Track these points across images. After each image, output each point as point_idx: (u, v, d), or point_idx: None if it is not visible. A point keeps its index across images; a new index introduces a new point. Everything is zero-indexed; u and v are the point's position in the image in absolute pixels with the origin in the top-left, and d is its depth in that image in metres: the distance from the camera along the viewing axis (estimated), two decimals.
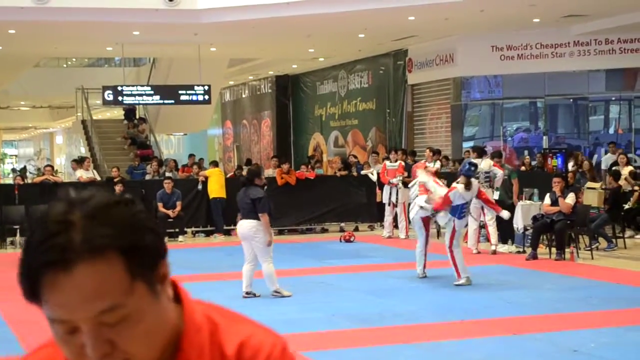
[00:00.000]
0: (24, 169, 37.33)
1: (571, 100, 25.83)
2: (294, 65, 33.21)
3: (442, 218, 13.65)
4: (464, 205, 13.44)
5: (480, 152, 17.81)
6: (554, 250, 16.11)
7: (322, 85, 33.71)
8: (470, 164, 13.94)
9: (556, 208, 16.08)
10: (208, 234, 22.65)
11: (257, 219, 12.21)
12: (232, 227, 22.86)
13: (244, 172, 24.56)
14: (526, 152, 24.84)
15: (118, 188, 21.43)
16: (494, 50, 24.68)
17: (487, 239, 17.34)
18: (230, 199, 22.42)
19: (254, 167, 13.44)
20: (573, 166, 21.00)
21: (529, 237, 16.85)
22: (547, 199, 16.37)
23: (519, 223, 17.38)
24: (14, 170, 27.35)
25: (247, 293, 12.45)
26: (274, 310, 11.40)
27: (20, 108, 51.45)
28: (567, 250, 15.91)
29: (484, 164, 17.11)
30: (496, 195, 16.88)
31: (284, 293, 12.36)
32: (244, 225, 12.37)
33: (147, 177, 23.56)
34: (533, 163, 23.13)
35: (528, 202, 18.08)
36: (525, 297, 12.10)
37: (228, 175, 24.09)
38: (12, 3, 19.23)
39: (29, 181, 24.32)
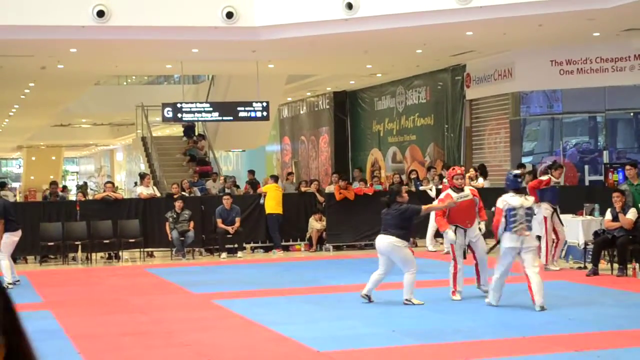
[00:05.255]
0: (85, 186, 37.77)
1: (632, 114, 25.55)
2: (352, 82, 33.27)
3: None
4: None
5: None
6: (615, 266, 15.93)
7: (379, 101, 33.72)
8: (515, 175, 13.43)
9: (617, 224, 15.91)
10: (267, 249, 22.74)
11: (397, 235, 12.70)
12: (290, 242, 23.02)
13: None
14: (587, 167, 24.62)
15: (178, 204, 21.63)
16: (553, 64, 24.51)
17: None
18: (287, 214, 22.58)
19: (395, 186, 14.06)
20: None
21: (590, 252, 16.68)
22: (608, 215, 16.20)
23: (580, 238, 17.21)
24: (78, 186, 27.92)
25: (365, 295, 12.96)
26: (336, 326, 11.41)
27: (81, 125, 52.18)
28: (629, 266, 15.73)
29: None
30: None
31: (415, 302, 12.88)
32: (383, 241, 12.86)
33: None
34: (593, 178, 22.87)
35: (589, 217, 17.93)
36: (587, 314, 11.97)
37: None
38: (74, 22, 19.50)
39: (90, 197, 24.58)
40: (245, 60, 24.76)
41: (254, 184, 25.46)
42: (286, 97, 37.75)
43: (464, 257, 13.56)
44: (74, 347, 10.37)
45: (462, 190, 13.75)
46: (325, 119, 37.05)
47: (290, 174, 28.64)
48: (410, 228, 13.09)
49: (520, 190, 12.71)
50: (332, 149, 36.36)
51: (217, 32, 20.39)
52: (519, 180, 12.96)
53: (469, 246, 13.66)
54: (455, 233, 13.49)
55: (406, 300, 12.86)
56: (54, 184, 24.28)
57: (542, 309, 12.10)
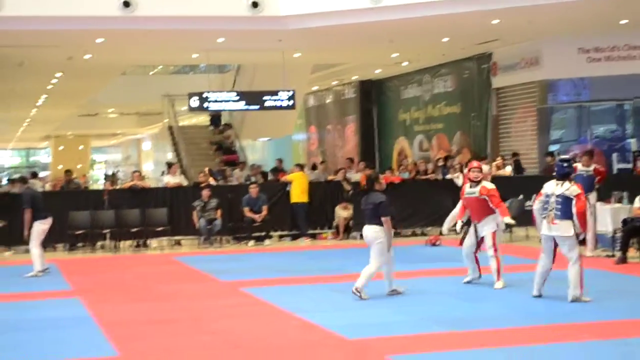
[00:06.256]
0: (114, 175, 37.99)
1: None
2: (378, 70, 33.22)
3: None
4: None
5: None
6: None
7: (406, 90, 33.64)
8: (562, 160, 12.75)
9: None
10: (294, 237, 22.77)
11: (379, 224, 12.61)
12: (317, 231, 23.04)
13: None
14: (615, 155, 24.50)
15: (205, 193, 21.70)
16: (580, 52, 24.39)
17: None
18: (313, 203, 22.61)
19: (372, 174, 13.81)
20: None
21: (618, 240, 16.60)
22: (637, 202, 16.12)
23: (608, 226, 17.13)
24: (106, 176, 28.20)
25: (392, 291, 12.83)
26: (364, 313, 11.44)
27: (109, 115, 52.35)
28: None
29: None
30: None
31: (363, 296, 12.47)
32: (368, 231, 12.80)
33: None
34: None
35: (617, 205, 17.84)
36: (616, 301, 11.94)
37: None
38: (102, 12, 19.59)
39: (119, 186, 24.71)
40: (271, 49, 24.78)
41: (264, 173, 25.38)
42: (312, 85, 37.72)
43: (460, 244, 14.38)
44: (103, 334, 10.44)
45: (477, 184, 13.77)
46: (351, 108, 37.03)
47: (322, 162, 28.62)
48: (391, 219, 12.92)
49: (564, 176, 12.00)
50: (358, 138, 36.34)
51: (243, 21, 20.43)
52: (564, 165, 12.18)
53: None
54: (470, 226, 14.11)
55: (356, 289, 12.47)
56: (68, 172, 24.38)
57: (575, 300, 11.81)
